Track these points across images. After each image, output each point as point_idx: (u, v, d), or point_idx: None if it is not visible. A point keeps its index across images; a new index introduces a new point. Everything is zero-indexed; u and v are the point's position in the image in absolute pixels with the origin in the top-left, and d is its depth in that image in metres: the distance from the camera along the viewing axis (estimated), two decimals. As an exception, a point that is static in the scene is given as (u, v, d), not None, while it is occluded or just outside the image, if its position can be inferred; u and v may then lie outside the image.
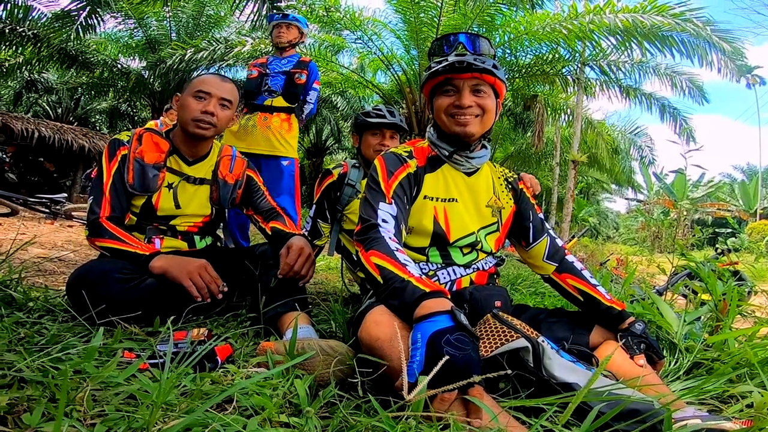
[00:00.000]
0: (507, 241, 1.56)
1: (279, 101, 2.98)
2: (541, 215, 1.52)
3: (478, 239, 1.38)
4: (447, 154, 1.38)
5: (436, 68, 1.31)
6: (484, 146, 1.41)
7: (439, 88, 1.35)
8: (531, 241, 1.47)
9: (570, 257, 1.46)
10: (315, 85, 3.07)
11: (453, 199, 1.38)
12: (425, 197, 1.36)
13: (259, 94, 2.99)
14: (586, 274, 1.42)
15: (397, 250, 1.15)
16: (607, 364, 1.17)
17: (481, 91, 1.32)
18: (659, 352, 1.24)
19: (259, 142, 2.92)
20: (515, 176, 1.55)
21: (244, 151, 2.84)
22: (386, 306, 1.06)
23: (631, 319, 1.29)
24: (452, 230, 1.36)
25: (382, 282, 1.09)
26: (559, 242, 1.48)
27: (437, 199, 1.36)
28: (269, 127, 2.94)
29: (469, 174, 1.42)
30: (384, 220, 1.23)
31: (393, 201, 1.28)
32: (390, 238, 1.19)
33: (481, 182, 1.44)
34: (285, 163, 2.98)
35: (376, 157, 1.40)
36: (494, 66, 1.31)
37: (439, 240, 1.35)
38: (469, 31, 1.44)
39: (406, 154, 1.39)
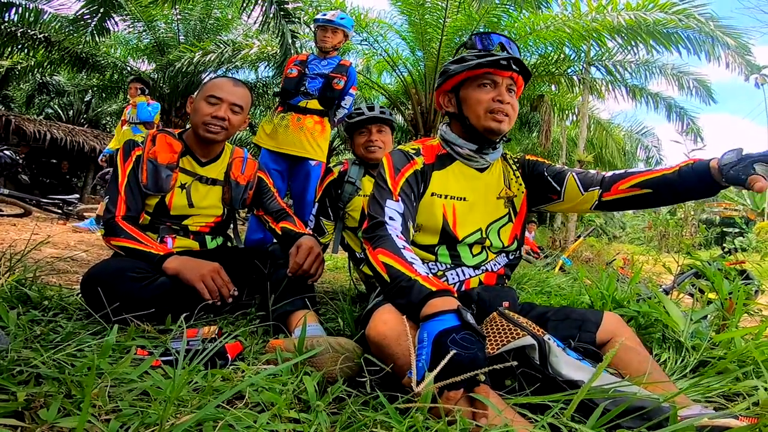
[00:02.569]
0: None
1: (314, 104, 2.91)
2: (557, 166, 1.46)
3: (485, 236, 1.38)
4: (468, 151, 1.38)
5: (478, 61, 1.30)
6: (505, 139, 1.43)
7: (472, 81, 1.34)
8: (559, 188, 1.40)
9: (607, 174, 1.34)
10: (351, 91, 2.99)
11: (462, 198, 1.38)
12: (433, 194, 1.36)
13: (296, 95, 2.91)
14: (634, 170, 1.29)
15: (404, 248, 1.16)
16: (611, 359, 1.18)
17: (513, 91, 1.35)
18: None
19: (290, 142, 2.87)
20: (520, 155, 1.54)
21: (274, 149, 2.86)
22: (393, 305, 1.07)
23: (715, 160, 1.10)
24: (459, 227, 1.36)
25: (389, 280, 1.10)
26: (592, 172, 1.39)
27: (445, 197, 1.37)
28: (302, 128, 2.87)
29: (481, 170, 1.43)
30: (391, 218, 1.24)
31: (400, 198, 1.29)
32: (397, 236, 1.20)
33: (493, 177, 1.45)
34: (313, 163, 2.93)
35: (384, 155, 1.41)
36: None
37: (448, 237, 1.36)
38: (504, 34, 1.44)
39: (414, 151, 1.40)
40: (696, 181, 1.15)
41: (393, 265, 1.11)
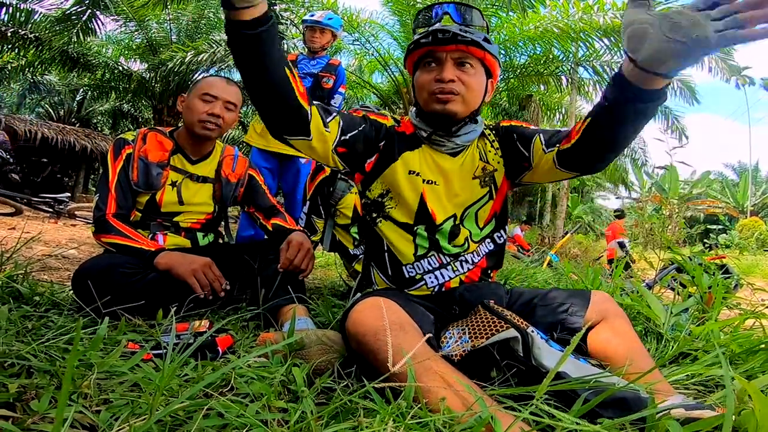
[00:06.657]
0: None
1: None
2: (530, 129, 1.31)
3: (458, 222, 1.29)
4: (425, 135, 1.27)
5: (417, 39, 1.19)
6: (474, 121, 1.28)
7: (420, 62, 1.23)
8: (527, 153, 1.26)
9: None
10: (341, 90, 3.03)
11: (432, 182, 1.28)
12: (411, 172, 1.27)
13: None
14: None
15: None
16: (597, 348, 1.18)
17: (466, 64, 1.19)
18: None
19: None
20: (494, 122, 1.41)
21: (265, 148, 2.89)
22: None
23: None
24: (436, 212, 1.28)
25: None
26: (564, 130, 1.21)
27: (424, 181, 1.28)
28: None
29: (454, 154, 1.29)
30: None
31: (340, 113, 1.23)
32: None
33: (468, 160, 1.30)
34: (303, 161, 2.95)
35: None
36: (485, 39, 1.17)
37: (425, 218, 1.27)
38: (458, 1, 1.24)
39: (392, 117, 1.37)
40: (615, 89, 0.95)
41: None
